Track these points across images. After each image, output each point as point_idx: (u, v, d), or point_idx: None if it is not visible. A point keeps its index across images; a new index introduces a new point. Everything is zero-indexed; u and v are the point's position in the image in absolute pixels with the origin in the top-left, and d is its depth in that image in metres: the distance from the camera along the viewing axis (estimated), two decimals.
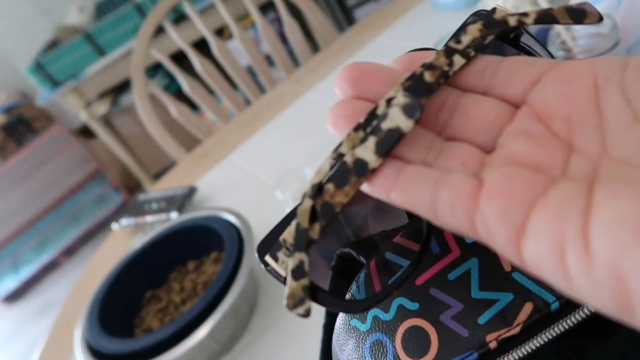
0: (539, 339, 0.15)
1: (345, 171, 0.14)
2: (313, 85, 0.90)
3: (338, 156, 0.15)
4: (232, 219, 0.55)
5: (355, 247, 0.21)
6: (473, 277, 0.16)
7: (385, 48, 0.88)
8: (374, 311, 0.17)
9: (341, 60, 0.93)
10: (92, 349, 0.49)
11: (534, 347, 0.15)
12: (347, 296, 0.19)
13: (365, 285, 0.18)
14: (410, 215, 0.22)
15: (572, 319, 0.15)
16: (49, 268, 2.14)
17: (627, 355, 0.16)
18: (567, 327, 0.15)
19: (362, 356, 0.17)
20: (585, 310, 0.15)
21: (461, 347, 0.15)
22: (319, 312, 0.49)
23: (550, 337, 0.15)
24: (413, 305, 0.17)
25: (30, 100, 2.16)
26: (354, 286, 0.19)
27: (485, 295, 0.16)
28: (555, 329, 0.15)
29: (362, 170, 0.14)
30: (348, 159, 0.14)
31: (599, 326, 0.25)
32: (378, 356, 0.17)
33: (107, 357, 0.47)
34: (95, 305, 0.52)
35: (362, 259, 0.21)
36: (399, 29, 0.91)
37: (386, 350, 0.17)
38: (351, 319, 0.18)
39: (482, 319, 0.16)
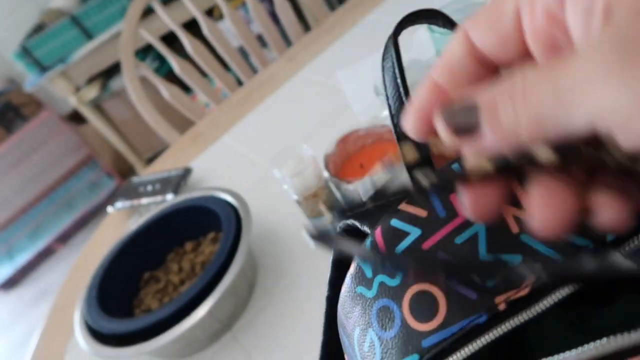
0: (548, 299, 0.15)
1: None
2: (306, 63, 0.89)
3: None
4: (228, 198, 0.55)
5: (358, 218, 0.21)
6: (480, 240, 0.16)
7: (378, 25, 0.87)
8: (380, 277, 0.17)
9: (334, 37, 0.92)
10: (92, 330, 0.49)
11: (543, 308, 0.15)
12: (353, 266, 0.19)
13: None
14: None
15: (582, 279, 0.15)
16: (44, 255, 2.13)
17: (630, 319, 0.16)
18: (575, 288, 0.15)
19: (368, 323, 0.17)
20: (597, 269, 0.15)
21: (470, 309, 0.15)
22: (318, 288, 0.49)
23: (559, 297, 0.15)
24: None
25: (18, 86, 2.12)
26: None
27: (492, 258, 0.16)
28: (564, 290, 0.15)
29: None
30: None
31: (603, 292, 0.25)
32: (385, 322, 0.17)
33: (107, 338, 0.47)
34: (94, 287, 0.52)
35: (365, 228, 0.20)
36: (390, 5, 0.90)
37: (393, 315, 0.17)
38: (357, 286, 0.18)
39: (490, 282, 0.16)
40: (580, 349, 0.14)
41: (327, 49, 0.89)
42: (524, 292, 0.15)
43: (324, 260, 0.51)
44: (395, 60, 0.18)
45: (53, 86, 1.88)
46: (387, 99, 0.19)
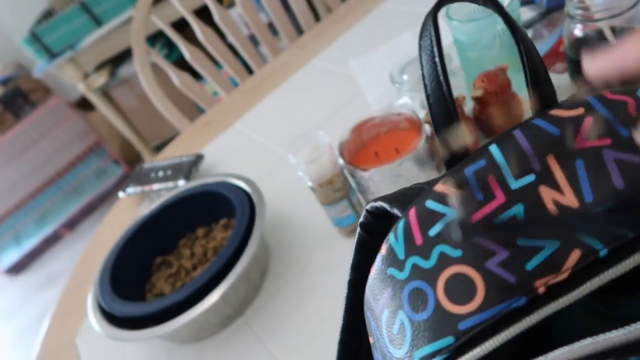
0: (587, 285, 0.15)
1: None
2: (317, 52, 0.88)
3: None
4: (241, 184, 0.55)
5: (387, 200, 0.21)
6: (518, 223, 0.16)
7: (390, 14, 0.86)
8: (413, 259, 0.17)
9: (346, 26, 0.91)
10: (105, 313, 0.49)
11: (584, 293, 0.15)
12: (384, 247, 0.19)
13: (405, 235, 0.18)
14: (448, 165, 0.22)
15: (622, 266, 0.15)
16: (51, 241, 2.14)
17: None
18: (616, 275, 0.15)
19: (399, 305, 0.17)
20: (636, 259, 0.15)
21: (509, 292, 0.15)
22: (330, 275, 0.49)
23: (600, 283, 0.15)
24: (456, 253, 0.16)
25: (27, 72, 2.12)
26: (391, 236, 0.18)
27: (531, 243, 0.16)
28: (605, 274, 0.15)
29: None
30: None
31: (628, 282, 0.25)
32: (417, 304, 0.16)
33: (121, 321, 0.47)
34: (107, 270, 0.52)
35: (396, 211, 0.20)
36: None
37: (426, 297, 0.16)
38: (387, 267, 0.18)
39: (529, 266, 0.15)
40: (607, 334, 0.13)
41: (339, 38, 0.88)
42: (563, 276, 0.15)
43: (337, 247, 0.51)
44: (434, 39, 0.18)
45: (62, 72, 1.88)
46: (424, 78, 0.18)
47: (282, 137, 0.72)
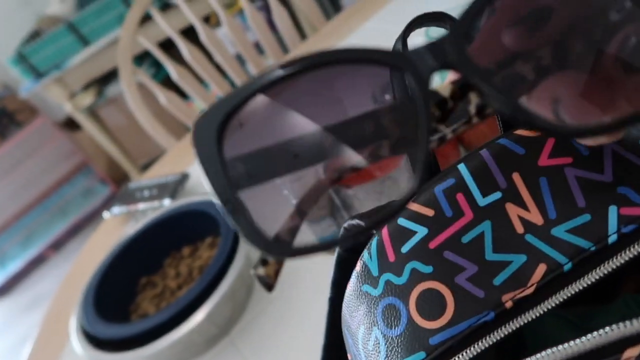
0: (553, 299, 0.15)
1: None
2: None
3: None
4: None
5: (364, 218, 0.21)
6: (486, 239, 0.16)
7: (375, 34, 0.88)
8: (386, 275, 0.17)
9: (331, 44, 0.92)
10: (88, 336, 0.48)
11: (549, 307, 0.15)
12: (359, 264, 0.19)
13: (378, 252, 0.18)
14: (441, 143, 0.22)
15: (586, 279, 0.15)
16: (36, 262, 2.11)
17: (628, 317, 0.16)
18: (581, 287, 0.15)
19: (374, 321, 0.18)
20: (599, 272, 0.15)
21: (478, 307, 0.15)
22: (317, 292, 0.49)
23: (565, 297, 0.15)
24: (427, 269, 0.17)
25: (13, 92, 2.11)
26: (365, 253, 0.19)
27: (499, 257, 0.16)
28: (570, 289, 0.15)
29: None
30: None
31: (601, 292, 0.25)
32: (391, 320, 0.17)
33: (104, 343, 0.47)
34: (90, 292, 0.52)
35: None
36: (388, 13, 0.91)
37: (399, 313, 0.17)
38: (362, 284, 0.18)
39: (497, 280, 0.16)
40: (573, 342, 0.14)
41: None
42: (529, 290, 0.15)
43: (323, 263, 0.51)
44: None
45: (48, 92, 1.88)
46: None
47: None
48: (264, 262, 0.18)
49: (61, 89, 1.85)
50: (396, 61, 0.15)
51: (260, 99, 0.15)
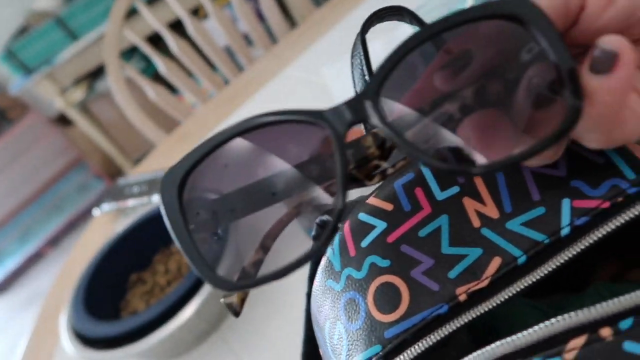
0: (507, 291, 0.15)
1: None
2: (292, 60, 0.89)
3: None
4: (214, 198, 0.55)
5: (331, 213, 0.21)
6: (443, 233, 0.17)
7: (363, 21, 0.87)
8: (348, 270, 0.18)
9: (320, 33, 0.92)
10: (78, 335, 0.49)
11: (502, 300, 0.15)
12: (323, 260, 0.19)
13: (340, 247, 0.18)
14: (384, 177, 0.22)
15: (539, 272, 0.16)
16: (34, 259, 2.12)
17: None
18: (534, 280, 0.15)
19: (337, 316, 0.18)
20: (552, 264, 0.16)
21: (432, 300, 0.16)
22: (305, 285, 0.49)
23: (517, 290, 0.15)
24: (384, 263, 0.17)
25: (3, 89, 2.10)
26: (329, 249, 0.19)
27: (455, 251, 0.16)
28: (523, 282, 0.15)
29: None
30: None
31: (573, 281, 0.26)
32: (351, 314, 0.17)
33: (94, 342, 0.47)
34: (80, 290, 0.52)
35: (340, 224, 0.21)
36: (375, 1, 0.90)
37: (359, 307, 0.17)
38: (326, 279, 0.19)
39: (452, 274, 0.16)
40: (515, 336, 0.14)
41: (313, 45, 0.89)
42: (483, 283, 0.16)
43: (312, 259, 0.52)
44: (363, 58, 0.19)
45: (39, 89, 1.87)
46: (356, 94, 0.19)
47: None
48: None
49: (52, 84, 1.84)
50: (316, 120, 0.16)
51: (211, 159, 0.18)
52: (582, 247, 0.15)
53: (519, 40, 0.15)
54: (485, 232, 0.16)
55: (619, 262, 0.26)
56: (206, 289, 0.46)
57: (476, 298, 0.15)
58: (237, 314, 0.19)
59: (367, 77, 0.19)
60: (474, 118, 0.16)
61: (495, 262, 0.16)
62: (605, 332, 0.13)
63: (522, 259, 0.16)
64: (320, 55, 0.85)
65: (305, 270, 0.51)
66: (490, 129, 0.15)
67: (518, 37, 0.14)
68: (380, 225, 0.18)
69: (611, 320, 0.13)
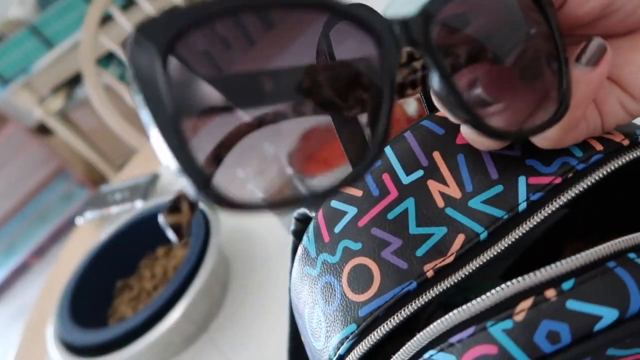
0: (471, 265, 0.16)
1: None
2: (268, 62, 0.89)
3: None
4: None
5: (307, 205, 0.22)
6: (410, 214, 0.18)
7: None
8: (323, 255, 0.18)
9: (298, 34, 0.92)
10: (66, 344, 0.48)
11: (467, 273, 0.16)
12: (300, 248, 0.20)
13: (315, 234, 0.19)
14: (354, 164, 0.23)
15: (500, 245, 0.16)
16: (20, 271, 2.09)
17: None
18: (495, 253, 0.16)
19: (315, 300, 0.18)
20: (511, 237, 0.17)
21: (401, 278, 0.16)
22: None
23: (480, 263, 0.16)
24: (356, 246, 0.18)
25: None
26: (304, 237, 0.20)
27: (421, 231, 0.17)
28: (485, 255, 0.16)
29: None
30: None
31: (546, 262, 0.27)
32: (328, 297, 0.18)
33: (82, 350, 0.47)
34: (66, 300, 0.52)
35: (314, 214, 0.21)
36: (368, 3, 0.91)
37: (334, 290, 0.18)
38: (304, 267, 0.19)
39: (419, 252, 0.17)
40: (466, 305, 0.15)
41: (289, 47, 0.90)
42: (449, 259, 0.16)
43: None
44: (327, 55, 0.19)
45: (16, 99, 1.84)
46: None
47: (235, 149, 0.72)
48: (175, 209, 0.17)
49: (29, 94, 1.82)
50: (369, 27, 0.14)
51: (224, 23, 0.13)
52: (538, 220, 0.16)
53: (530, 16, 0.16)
54: (449, 211, 0.17)
55: (584, 242, 0.27)
56: (193, 291, 0.46)
57: (442, 274, 0.16)
58: (181, 236, 0.16)
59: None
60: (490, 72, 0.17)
61: (460, 239, 0.17)
62: (550, 292, 0.14)
63: (483, 235, 0.17)
64: (296, 57, 0.85)
65: (286, 267, 0.52)
66: (501, 90, 0.17)
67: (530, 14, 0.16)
68: (351, 210, 0.18)
69: (555, 282, 0.14)
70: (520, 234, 0.16)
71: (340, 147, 0.52)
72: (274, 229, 0.56)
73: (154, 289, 0.54)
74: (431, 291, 0.16)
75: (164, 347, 0.48)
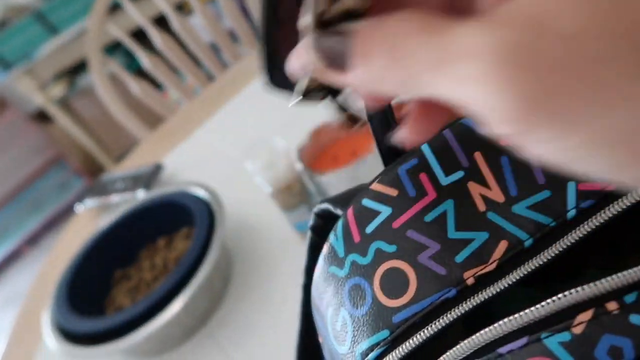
0: (514, 274, 0.15)
1: None
2: None
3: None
4: (201, 192, 0.54)
5: (331, 202, 0.21)
6: (449, 218, 0.17)
7: None
8: (352, 256, 0.18)
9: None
10: (62, 331, 0.47)
11: (510, 283, 0.15)
12: (326, 247, 0.19)
13: (344, 233, 0.18)
14: (387, 162, 0.22)
15: (546, 254, 0.16)
16: (12, 258, 2.07)
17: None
18: (542, 262, 0.15)
19: (341, 302, 0.18)
20: (558, 247, 0.16)
21: (440, 284, 0.16)
22: (295, 280, 0.49)
23: (526, 271, 0.15)
24: (390, 248, 0.17)
25: None
26: (332, 235, 0.19)
27: (461, 235, 0.16)
28: (531, 264, 0.15)
29: None
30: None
31: (568, 267, 0.26)
32: (357, 300, 0.17)
33: (78, 338, 0.46)
34: (63, 286, 0.51)
35: (339, 211, 0.21)
36: None
37: (364, 293, 0.17)
38: (329, 266, 0.18)
39: (459, 258, 0.16)
40: (525, 311, 0.14)
41: None
42: (491, 267, 0.16)
43: (299, 252, 0.51)
44: None
45: (18, 84, 1.82)
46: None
47: (242, 143, 0.71)
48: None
49: (31, 80, 1.80)
50: None
51: None
52: (588, 229, 0.15)
53: None
54: (491, 216, 0.16)
55: (609, 253, 0.26)
56: (195, 284, 0.45)
57: (484, 281, 0.15)
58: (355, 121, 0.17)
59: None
60: None
61: (502, 246, 0.16)
62: (612, 305, 0.13)
63: (528, 242, 0.16)
64: None
65: (295, 264, 0.51)
66: None
67: None
68: (385, 210, 0.17)
69: (616, 294, 0.13)
70: (569, 243, 0.15)
71: (351, 144, 0.51)
72: (278, 224, 0.55)
73: (154, 279, 0.53)
74: (471, 300, 0.15)
75: (163, 339, 0.47)
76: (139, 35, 1.19)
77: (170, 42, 1.04)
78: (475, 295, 0.15)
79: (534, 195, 0.16)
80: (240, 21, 1.08)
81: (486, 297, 0.15)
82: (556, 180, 0.16)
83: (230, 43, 1.10)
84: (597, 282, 0.13)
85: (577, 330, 0.13)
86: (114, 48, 1.93)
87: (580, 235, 0.15)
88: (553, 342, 0.13)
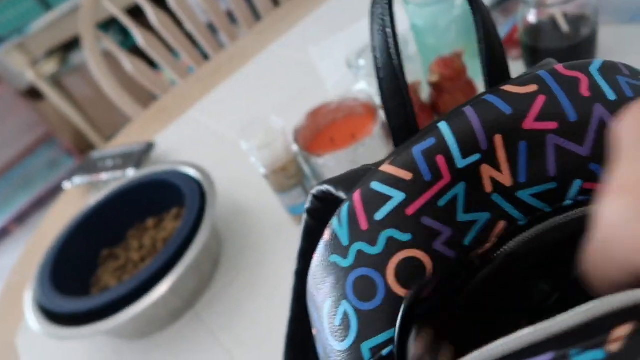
0: (509, 244, 0.15)
1: None
2: (276, 38, 0.86)
3: None
4: (192, 172, 0.53)
5: (333, 183, 0.19)
6: (459, 200, 0.15)
7: (350, 1, 0.85)
8: (358, 245, 0.16)
9: (305, 12, 0.89)
10: (45, 311, 0.46)
11: (504, 250, 0.15)
12: (327, 233, 0.17)
13: (349, 219, 0.17)
14: (397, 142, 0.21)
15: (538, 228, 0.15)
16: (0, 236, 2.04)
17: None
18: (532, 235, 0.15)
19: (343, 294, 0.16)
20: (551, 223, 0.15)
21: (450, 268, 0.14)
22: (286, 264, 0.48)
23: (518, 242, 0.15)
24: (405, 237, 0.15)
25: None
26: (334, 220, 0.17)
27: (467, 217, 0.15)
28: (523, 236, 0.15)
29: None
30: None
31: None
32: (364, 293, 0.15)
33: (61, 318, 0.45)
34: (47, 265, 0.49)
35: (341, 194, 0.19)
36: None
37: (375, 285, 0.15)
38: (330, 255, 0.17)
39: (466, 240, 0.15)
40: (543, 323, 0.12)
41: (298, 24, 0.87)
42: (490, 244, 0.15)
43: (291, 235, 0.50)
44: (387, 6, 0.17)
45: (9, 59, 1.78)
46: (374, 49, 0.17)
47: (237, 124, 0.70)
48: None
49: (23, 55, 1.76)
50: None
51: None
52: (580, 214, 0.14)
53: None
54: (495, 197, 0.16)
55: None
56: (183, 265, 0.44)
57: (485, 257, 0.15)
58: None
59: (388, 29, 0.17)
60: None
61: (500, 225, 0.15)
62: None
63: (522, 222, 0.16)
64: (305, 34, 0.83)
65: (286, 247, 0.50)
66: None
67: None
68: (398, 196, 0.16)
69: None
70: (561, 221, 0.15)
71: (349, 126, 0.49)
72: (272, 207, 0.53)
73: (141, 260, 0.52)
74: (475, 280, 0.14)
75: (149, 320, 0.46)
76: (135, 12, 1.16)
77: (166, 19, 1.01)
78: (478, 274, 0.14)
79: (541, 185, 0.15)
80: (239, 2, 1.05)
81: (486, 274, 0.14)
82: (565, 175, 0.15)
83: (228, 24, 1.07)
84: (637, 291, 0.11)
85: (613, 347, 0.10)
86: (108, 24, 1.88)
87: (574, 217, 0.14)
88: None
